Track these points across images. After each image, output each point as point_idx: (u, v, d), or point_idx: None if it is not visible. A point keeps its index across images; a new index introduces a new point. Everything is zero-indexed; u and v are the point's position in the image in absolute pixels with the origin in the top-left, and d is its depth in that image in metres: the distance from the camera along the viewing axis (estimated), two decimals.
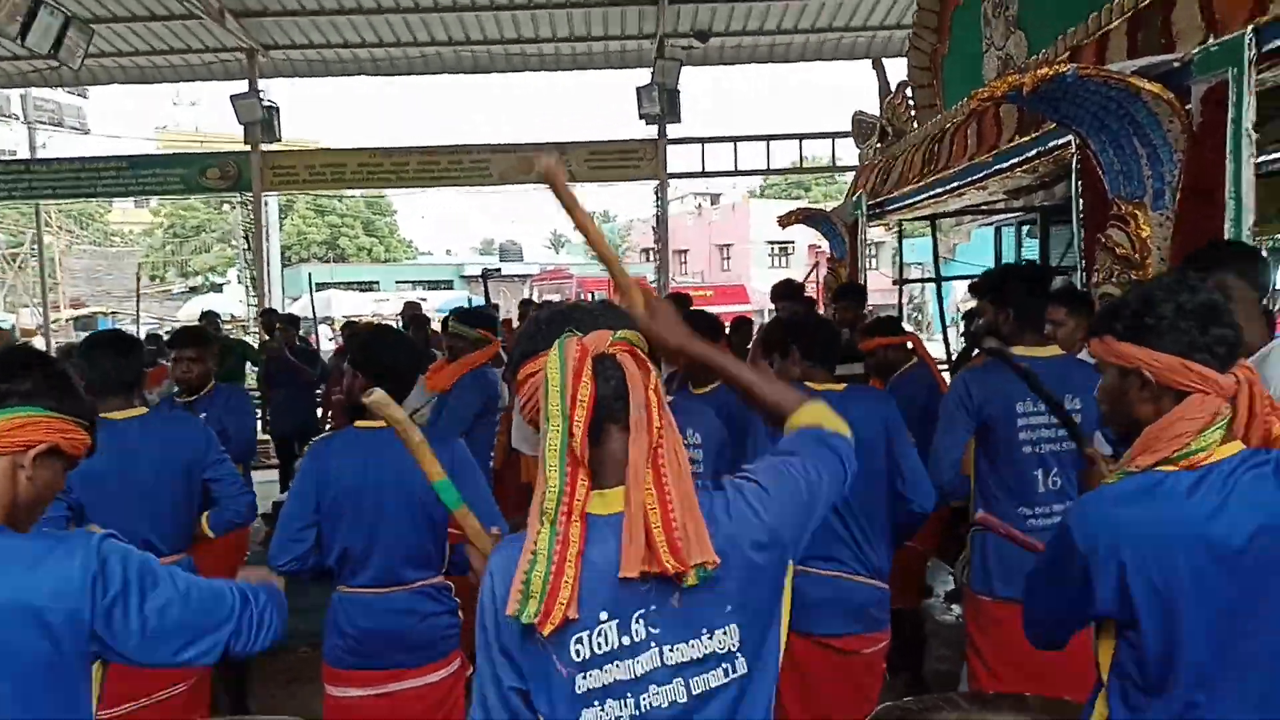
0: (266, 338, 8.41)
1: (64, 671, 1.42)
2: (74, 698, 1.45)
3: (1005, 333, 2.95)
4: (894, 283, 9.43)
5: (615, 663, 1.16)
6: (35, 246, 31.83)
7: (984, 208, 7.33)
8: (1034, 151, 4.39)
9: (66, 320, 27.70)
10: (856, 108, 8.01)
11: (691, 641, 1.18)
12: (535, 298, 25.50)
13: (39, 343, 15.04)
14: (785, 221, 7.95)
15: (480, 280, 10.36)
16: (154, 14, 10.72)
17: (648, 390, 1.20)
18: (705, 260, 39.56)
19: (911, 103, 6.93)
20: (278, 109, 11.89)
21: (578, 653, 1.16)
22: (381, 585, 2.62)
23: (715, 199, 44.20)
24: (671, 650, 1.18)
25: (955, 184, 5.51)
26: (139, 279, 13.20)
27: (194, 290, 36.50)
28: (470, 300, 14.49)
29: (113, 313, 29.30)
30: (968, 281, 5.82)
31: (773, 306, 6.01)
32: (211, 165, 11.96)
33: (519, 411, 1.33)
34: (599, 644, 1.16)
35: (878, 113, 7.52)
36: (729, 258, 39.26)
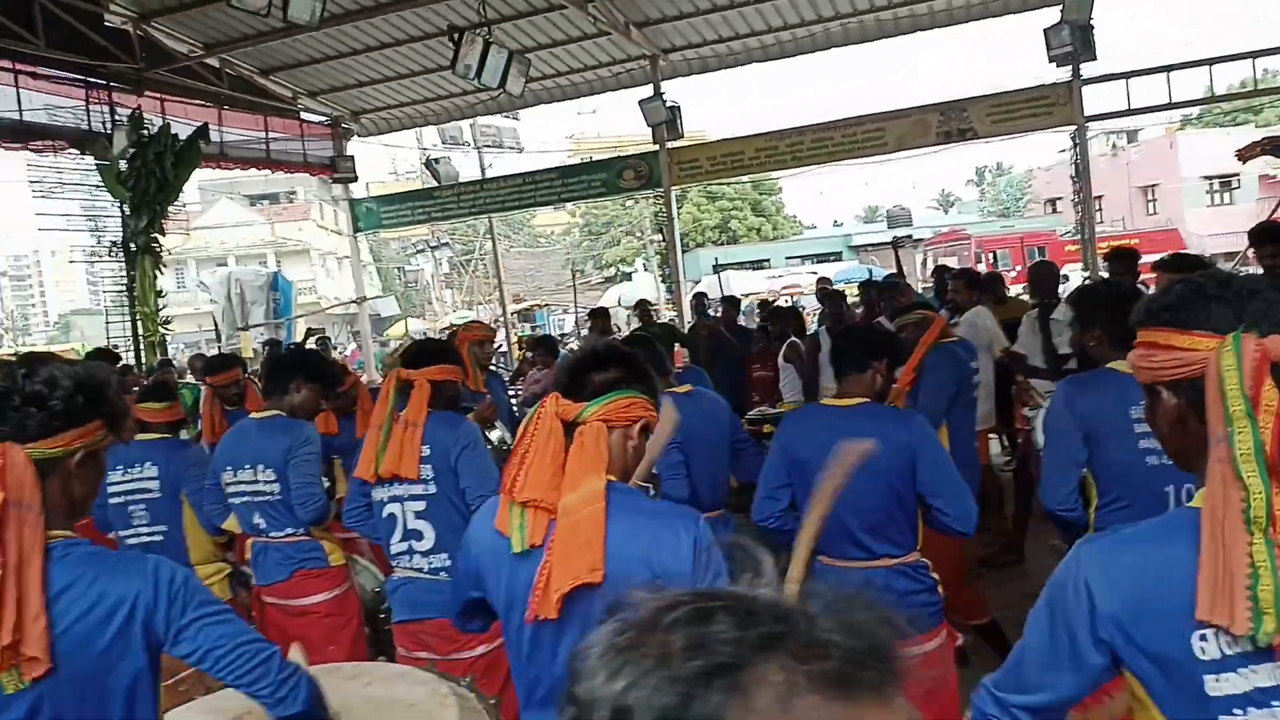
0: (693, 320, 9.10)
1: None
2: None
3: None
4: None
5: (1251, 668, 1.12)
6: (483, 254, 37.20)
7: None
8: None
9: (512, 314, 31.83)
10: None
11: None
12: (930, 262, 24.58)
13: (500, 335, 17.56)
14: (1247, 154, 6.86)
15: (892, 248, 10.16)
16: (570, 37, 11.96)
17: None
18: (1125, 205, 35.23)
19: None
20: (679, 108, 12.66)
21: (1202, 650, 1.13)
22: (850, 559, 2.75)
23: (1133, 135, 39.12)
24: None
25: None
26: (574, 274, 14.89)
27: (609, 280, 40.26)
28: (870, 271, 14.26)
29: (546, 305, 33.26)
30: None
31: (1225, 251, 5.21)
32: (627, 167, 13.11)
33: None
34: (1226, 645, 1.12)
35: None
36: (1154, 199, 34.62)
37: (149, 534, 3.96)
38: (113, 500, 3.99)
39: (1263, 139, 6.99)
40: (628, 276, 38.24)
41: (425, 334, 25.97)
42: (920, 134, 11.64)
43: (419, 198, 15.04)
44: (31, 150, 10.07)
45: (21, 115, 9.75)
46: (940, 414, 4.14)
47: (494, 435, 4.61)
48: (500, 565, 1.84)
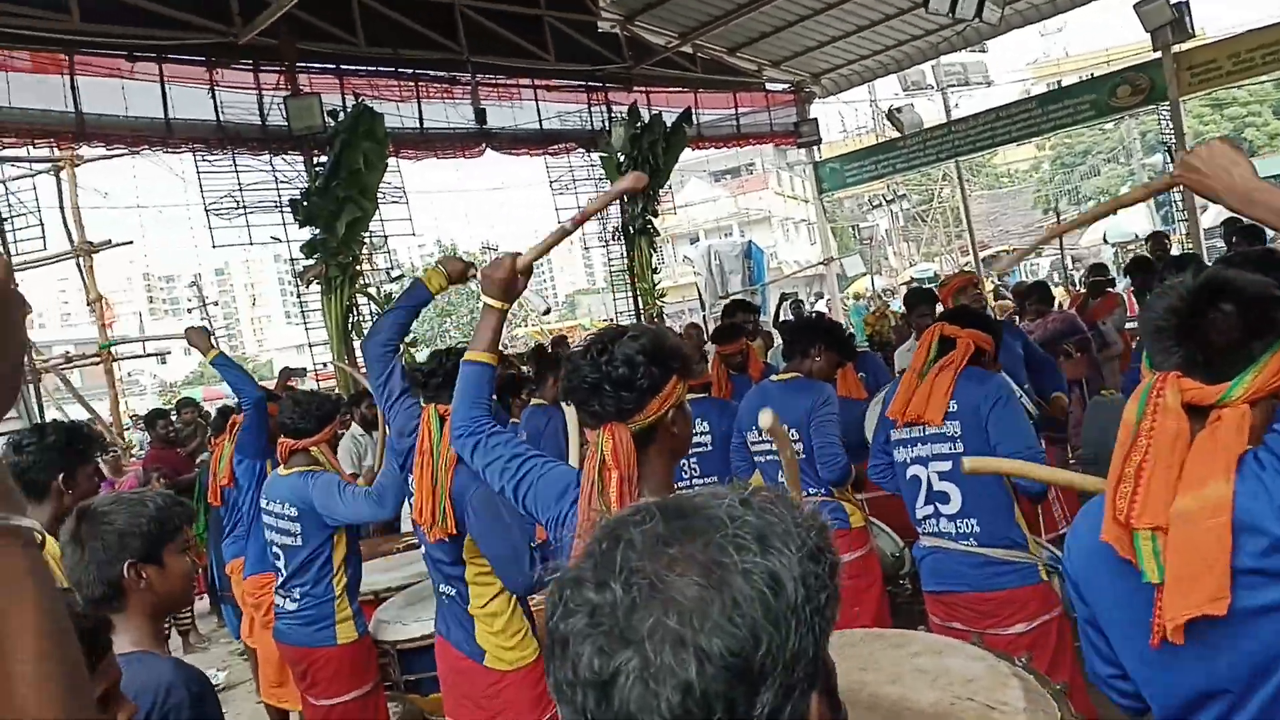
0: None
1: None
2: None
3: None
4: None
5: None
6: (941, 201, 35.66)
7: None
8: None
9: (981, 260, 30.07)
10: None
11: None
12: None
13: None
14: None
15: None
16: None
17: None
18: None
19: None
20: (1187, 3, 10.77)
21: None
22: None
23: None
24: None
25: None
26: (1056, 212, 13.46)
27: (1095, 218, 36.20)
28: None
29: (1013, 248, 30.90)
30: None
31: None
32: (1122, 83, 11.49)
33: None
34: None
35: None
36: None
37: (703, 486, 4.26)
38: None
39: None
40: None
41: (885, 290, 25.59)
42: None
43: (882, 151, 14.73)
44: (549, 154, 11.65)
45: (541, 124, 11.33)
46: None
47: None
48: (1113, 585, 1.52)
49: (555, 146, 11.49)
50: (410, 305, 3.18)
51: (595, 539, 0.74)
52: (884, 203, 36.09)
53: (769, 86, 14.17)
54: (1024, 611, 3.00)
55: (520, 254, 2.13)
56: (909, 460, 3.25)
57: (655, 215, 11.59)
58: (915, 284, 29.54)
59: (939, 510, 3.18)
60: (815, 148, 14.87)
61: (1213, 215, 17.06)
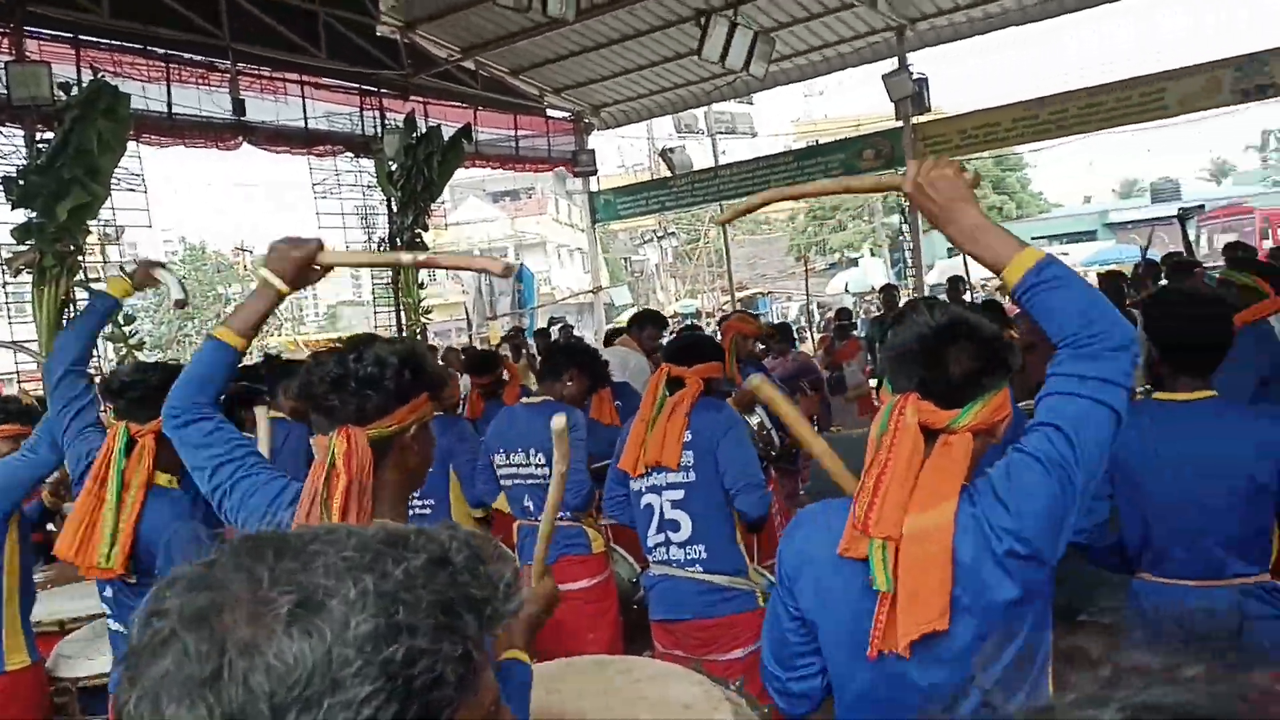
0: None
1: None
2: None
3: None
4: None
5: None
6: (706, 242, 37.34)
7: None
8: None
9: (738, 300, 31.76)
10: None
11: None
12: (1205, 239, 21.89)
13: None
14: None
15: (1178, 222, 8.93)
16: (813, 13, 11.61)
17: None
18: None
19: None
20: (926, 80, 12.00)
21: None
22: (1195, 577, 2.37)
23: None
24: None
25: None
26: (805, 260, 14.52)
27: (834, 266, 39.25)
28: (1143, 251, 12.97)
29: (769, 292, 32.94)
30: None
31: None
32: (867, 147, 12.60)
33: None
34: None
35: None
36: None
37: (421, 507, 4.07)
38: None
39: None
40: (854, 262, 37.07)
41: None
42: (1210, 93, 10.34)
43: (654, 187, 15.24)
44: (314, 155, 11.07)
45: (306, 123, 10.75)
46: (1245, 397, 3.58)
47: (753, 420, 4.53)
48: (831, 584, 1.62)
49: (321, 148, 10.93)
50: (96, 316, 2.95)
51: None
52: (655, 238, 37.33)
53: (550, 113, 14.28)
54: (742, 637, 3.13)
55: (325, 247, 1.92)
56: (644, 490, 3.32)
57: (425, 230, 11.29)
58: (679, 318, 30.66)
59: (669, 538, 3.26)
60: (592, 178, 15.14)
61: (937, 273, 19.05)
